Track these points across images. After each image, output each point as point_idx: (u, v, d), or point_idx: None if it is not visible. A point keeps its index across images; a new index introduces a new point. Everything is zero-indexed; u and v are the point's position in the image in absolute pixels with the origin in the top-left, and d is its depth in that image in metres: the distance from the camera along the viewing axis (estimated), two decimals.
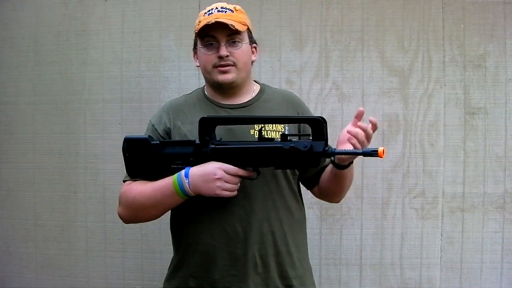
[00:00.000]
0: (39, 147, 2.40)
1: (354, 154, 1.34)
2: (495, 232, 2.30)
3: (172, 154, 1.45)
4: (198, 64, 1.62)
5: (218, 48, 1.52)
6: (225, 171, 1.39)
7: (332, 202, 1.83)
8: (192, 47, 1.64)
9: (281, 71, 2.31)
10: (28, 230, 2.42)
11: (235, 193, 1.43)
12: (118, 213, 1.57)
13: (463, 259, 2.30)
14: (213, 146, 1.41)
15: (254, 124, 1.47)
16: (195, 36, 1.59)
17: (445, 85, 2.30)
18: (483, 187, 2.30)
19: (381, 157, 1.29)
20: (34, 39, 2.40)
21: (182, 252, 1.56)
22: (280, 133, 1.53)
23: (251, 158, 1.40)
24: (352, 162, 1.50)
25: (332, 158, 1.48)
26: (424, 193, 2.30)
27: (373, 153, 1.29)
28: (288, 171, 1.58)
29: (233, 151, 1.40)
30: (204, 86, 1.67)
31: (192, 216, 1.52)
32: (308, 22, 2.31)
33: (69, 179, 2.39)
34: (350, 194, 2.27)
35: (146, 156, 1.46)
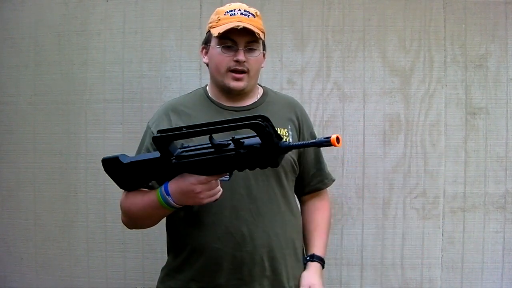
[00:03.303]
0: (39, 147, 2.40)
1: (308, 146, 1.27)
2: (496, 232, 2.30)
3: (145, 172, 1.43)
4: (206, 60, 1.59)
5: (236, 52, 1.50)
6: (200, 183, 1.34)
7: None
8: (201, 43, 1.61)
9: (282, 71, 2.31)
10: (29, 230, 2.42)
11: (220, 193, 1.38)
12: (122, 221, 1.58)
13: (464, 259, 2.30)
14: (175, 161, 1.36)
15: (203, 135, 1.31)
16: (209, 32, 1.56)
17: (446, 85, 2.30)
18: (484, 187, 2.30)
19: (335, 145, 1.16)
20: (35, 39, 2.39)
21: (185, 255, 1.54)
22: (286, 134, 1.54)
23: (211, 167, 1.34)
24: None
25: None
26: (425, 193, 2.30)
27: (326, 143, 1.18)
28: (288, 172, 1.59)
29: (193, 164, 1.34)
30: (206, 86, 1.65)
31: (195, 219, 1.51)
32: (309, 22, 2.31)
33: (70, 179, 2.39)
34: (351, 194, 2.30)
35: (122, 174, 1.45)
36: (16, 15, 2.40)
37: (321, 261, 1.62)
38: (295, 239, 1.60)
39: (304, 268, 1.61)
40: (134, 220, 1.54)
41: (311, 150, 1.66)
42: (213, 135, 1.31)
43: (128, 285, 2.36)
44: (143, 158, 1.44)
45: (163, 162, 1.38)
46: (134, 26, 2.34)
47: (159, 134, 1.34)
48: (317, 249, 1.62)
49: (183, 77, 2.33)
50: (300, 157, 1.63)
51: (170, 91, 2.31)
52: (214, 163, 1.33)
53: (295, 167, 1.61)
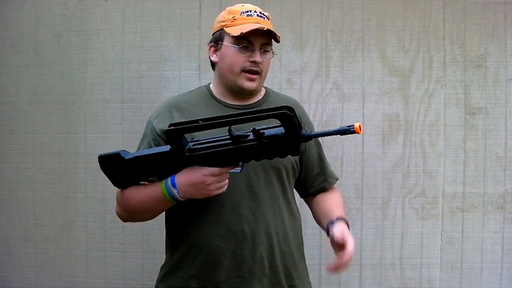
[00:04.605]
0: (39, 147, 2.40)
1: (332, 134, 1.28)
2: (495, 232, 2.30)
3: (150, 166, 1.42)
4: (215, 59, 1.58)
5: (252, 53, 1.50)
6: (212, 175, 1.37)
7: None
8: (210, 42, 1.59)
9: (281, 71, 2.31)
10: (28, 230, 2.42)
11: (226, 186, 1.41)
12: (116, 213, 1.58)
13: (463, 259, 2.31)
14: (189, 154, 1.38)
15: (222, 126, 1.34)
16: (221, 31, 1.55)
17: (445, 85, 2.30)
18: (483, 187, 2.30)
19: (358, 133, 1.22)
20: (34, 39, 2.39)
21: (182, 252, 1.54)
22: None
23: (228, 158, 1.36)
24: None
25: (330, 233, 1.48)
26: (424, 193, 2.31)
27: (350, 130, 1.22)
28: (290, 172, 1.59)
29: (209, 155, 1.37)
30: (209, 84, 1.65)
31: (196, 216, 1.51)
32: (308, 22, 2.31)
33: (69, 179, 2.39)
34: (350, 194, 2.30)
35: (123, 170, 1.44)
36: (16, 15, 2.40)
37: (345, 220, 1.54)
38: (294, 239, 1.60)
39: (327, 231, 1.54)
40: (132, 212, 1.53)
41: (314, 149, 1.66)
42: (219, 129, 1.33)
43: (127, 285, 2.36)
44: (151, 153, 1.43)
45: (174, 155, 1.39)
46: (134, 26, 2.34)
47: (172, 127, 1.35)
48: (337, 213, 1.57)
49: (182, 77, 2.33)
50: (302, 156, 1.63)
51: (169, 91, 2.31)
52: (234, 154, 1.35)
53: (296, 167, 1.61)
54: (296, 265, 1.60)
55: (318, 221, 1.68)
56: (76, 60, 2.37)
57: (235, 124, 1.33)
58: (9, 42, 2.41)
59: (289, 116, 1.26)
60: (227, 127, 1.34)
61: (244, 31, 1.48)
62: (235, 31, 1.49)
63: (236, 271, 1.50)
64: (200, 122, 1.34)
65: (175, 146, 1.37)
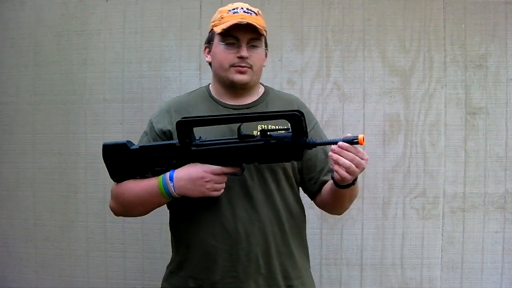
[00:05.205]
0: (39, 147, 2.40)
1: (336, 143, 1.31)
2: (496, 232, 2.30)
3: (154, 158, 1.44)
4: (209, 60, 1.60)
5: (239, 48, 1.52)
6: (212, 173, 1.40)
7: (332, 214, 1.74)
8: (202, 43, 1.64)
9: (282, 71, 2.31)
10: (28, 230, 2.42)
11: (223, 190, 1.44)
12: (110, 206, 1.59)
13: (464, 259, 2.31)
14: (195, 148, 1.41)
15: (232, 123, 1.41)
16: (211, 32, 1.58)
17: (446, 85, 2.30)
18: (484, 187, 2.30)
19: (361, 144, 1.28)
20: (34, 39, 2.39)
21: (183, 252, 1.56)
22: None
23: (234, 156, 1.40)
24: (353, 183, 1.41)
25: (332, 176, 1.42)
26: (425, 193, 2.30)
27: (354, 141, 1.29)
28: (290, 173, 1.58)
29: (216, 151, 1.40)
30: (209, 84, 1.66)
31: (194, 216, 1.52)
32: (309, 22, 2.31)
33: (70, 179, 2.39)
34: None
35: (126, 161, 1.46)
36: (16, 15, 2.40)
37: None
38: (295, 239, 1.60)
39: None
40: (125, 206, 1.54)
41: (319, 148, 1.62)
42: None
43: (128, 285, 2.36)
44: (158, 144, 1.47)
45: (180, 148, 1.41)
46: (134, 26, 2.34)
47: (183, 119, 1.39)
48: None
49: (182, 77, 2.33)
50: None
51: (170, 91, 2.31)
52: (239, 152, 1.38)
53: (296, 167, 1.60)
54: (297, 265, 1.59)
55: (328, 199, 1.57)
56: (76, 60, 2.37)
57: (245, 122, 1.38)
58: (9, 42, 2.41)
59: (299, 118, 1.31)
60: (234, 132, 1.39)
61: (225, 26, 1.50)
62: (220, 28, 1.52)
63: (232, 271, 1.50)
64: (211, 117, 1.40)
65: (183, 139, 1.40)
